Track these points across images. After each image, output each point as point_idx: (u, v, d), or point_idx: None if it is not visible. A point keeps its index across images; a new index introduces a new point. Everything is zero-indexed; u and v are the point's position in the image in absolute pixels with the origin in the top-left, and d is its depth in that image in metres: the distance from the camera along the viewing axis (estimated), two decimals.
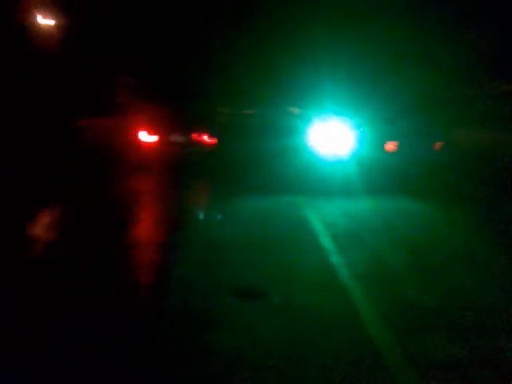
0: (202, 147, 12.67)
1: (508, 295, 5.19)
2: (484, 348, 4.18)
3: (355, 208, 9.13)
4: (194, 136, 12.72)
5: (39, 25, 24.42)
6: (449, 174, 11.16)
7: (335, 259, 6.26)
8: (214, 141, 12.68)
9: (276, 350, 4.12)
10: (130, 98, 13.88)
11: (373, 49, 15.72)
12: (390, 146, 12.38)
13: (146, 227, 8.06)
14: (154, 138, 12.50)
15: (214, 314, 4.76)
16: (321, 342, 4.27)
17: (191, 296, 5.16)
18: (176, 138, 12.74)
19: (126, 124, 12.93)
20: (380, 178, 10.89)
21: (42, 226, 8.12)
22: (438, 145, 12.16)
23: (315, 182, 10.84)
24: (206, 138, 12.74)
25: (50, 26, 24.73)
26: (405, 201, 9.75)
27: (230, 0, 22.66)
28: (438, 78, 14.48)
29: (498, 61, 14.68)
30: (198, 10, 23.60)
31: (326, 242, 6.99)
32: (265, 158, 12.53)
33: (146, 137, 12.51)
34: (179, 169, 12.26)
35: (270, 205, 9.55)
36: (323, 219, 8.25)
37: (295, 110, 19.24)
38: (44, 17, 24.33)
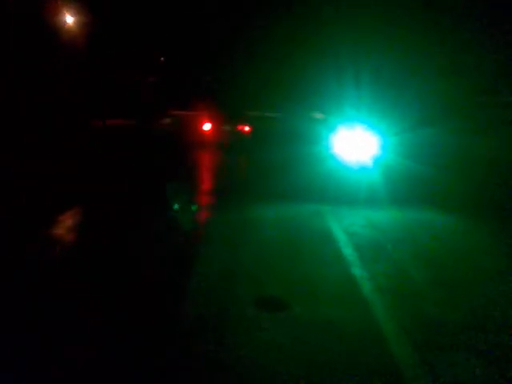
0: (241, 133, 20.15)
1: None
2: (508, 366, 4.13)
3: (379, 217, 9.05)
4: (237, 127, 20.22)
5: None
6: (473, 183, 11.01)
7: (357, 271, 6.24)
8: (249, 130, 20.00)
9: (297, 365, 4.13)
10: (198, 101, 22.01)
11: (397, 56, 15.58)
12: None
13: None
14: (213, 128, 20.21)
15: (235, 324, 4.80)
16: (342, 357, 4.28)
17: (211, 305, 5.21)
18: (226, 127, 20.45)
19: (196, 118, 20.81)
20: (404, 186, 10.80)
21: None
22: None
23: (338, 189, 10.79)
24: (244, 128, 20.10)
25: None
26: (429, 211, 9.63)
27: (254, 13, 23.08)
28: (461, 87, 14.30)
29: None
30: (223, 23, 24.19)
31: (348, 253, 6.96)
32: (285, 159, 13.23)
33: (208, 126, 20.30)
34: (228, 146, 19.31)
35: (292, 212, 9.53)
36: (346, 229, 8.21)
37: (319, 116, 19.28)
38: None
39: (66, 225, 8.32)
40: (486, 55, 13.90)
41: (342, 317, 4.97)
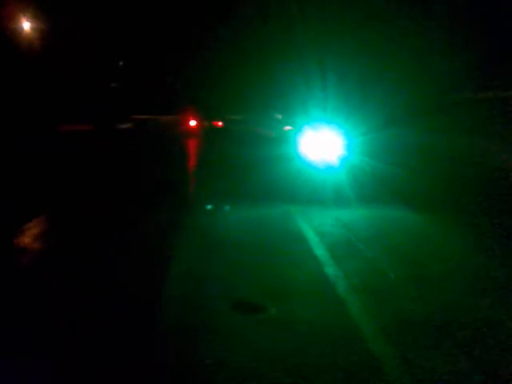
0: (216, 127, 25.66)
1: (508, 307, 5.15)
2: (488, 362, 4.13)
3: (348, 216, 9.06)
4: (213, 122, 26.12)
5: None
6: (438, 181, 11.12)
7: (331, 271, 6.20)
8: (221, 124, 25.24)
9: (276, 366, 4.04)
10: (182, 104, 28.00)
11: (362, 56, 15.70)
12: None
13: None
14: (195, 123, 27.24)
15: (211, 328, 4.67)
16: (321, 357, 4.20)
17: (186, 310, 5.06)
18: (204, 123, 27.09)
19: (181, 117, 27.45)
20: (371, 185, 10.85)
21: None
22: None
23: (306, 189, 10.77)
24: (218, 123, 25.42)
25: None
26: (397, 209, 9.69)
27: (221, 13, 23.45)
28: (427, 85, 14.48)
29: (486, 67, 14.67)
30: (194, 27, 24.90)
31: (320, 253, 6.92)
32: (251, 157, 13.29)
33: (192, 122, 27.16)
34: (206, 135, 25.75)
35: (261, 212, 9.47)
36: (316, 229, 8.17)
37: (280, 116, 19.36)
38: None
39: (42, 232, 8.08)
40: (450, 53, 14.11)
41: (319, 317, 4.90)
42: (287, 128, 18.57)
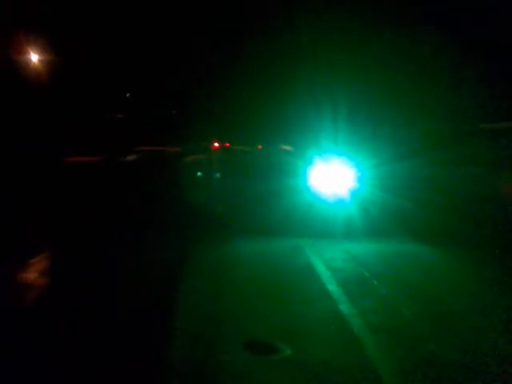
0: (226, 147, 26.05)
1: None
2: None
3: (359, 251, 8.95)
4: (225, 144, 26.42)
5: None
6: (449, 215, 10.96)
7: (345, 308, 6.06)
8: (228, 145, 26.13)
9: None
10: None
11: (374, 88, 15.72)
12: None
13: None
14: (218, 145, 26.95)
15: (225, 371, 4.53)
16: None
17: (199, 351, 4.92)
18: (222, 144, 26.54)
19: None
20: (382, 219, 10.71)
21: None
22: None
23: (316, 223, 10.63)
24: (227, 144, 26.22)
25: None
26: (408, 243, 9.58)
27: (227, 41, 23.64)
28: (440, 116, 14.46)
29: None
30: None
31: (333, 289, 6.80)
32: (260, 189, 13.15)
33: (216, 144, 26.72)
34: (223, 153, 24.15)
35: (272, 247, 9.38)
36: (328, 264, 8.06)
37: (289, 148, 19.29)
38: None
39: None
40: (463, 85, 14.12)
41: (335, 357, 4.75)
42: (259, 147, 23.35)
